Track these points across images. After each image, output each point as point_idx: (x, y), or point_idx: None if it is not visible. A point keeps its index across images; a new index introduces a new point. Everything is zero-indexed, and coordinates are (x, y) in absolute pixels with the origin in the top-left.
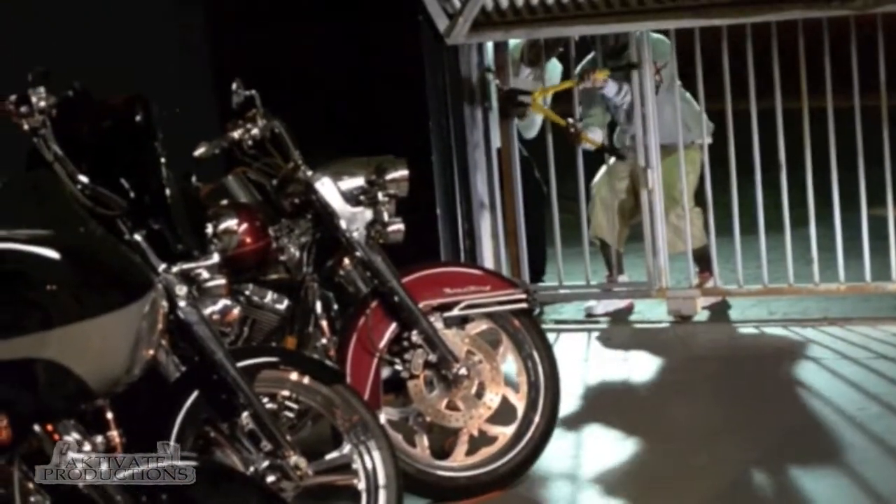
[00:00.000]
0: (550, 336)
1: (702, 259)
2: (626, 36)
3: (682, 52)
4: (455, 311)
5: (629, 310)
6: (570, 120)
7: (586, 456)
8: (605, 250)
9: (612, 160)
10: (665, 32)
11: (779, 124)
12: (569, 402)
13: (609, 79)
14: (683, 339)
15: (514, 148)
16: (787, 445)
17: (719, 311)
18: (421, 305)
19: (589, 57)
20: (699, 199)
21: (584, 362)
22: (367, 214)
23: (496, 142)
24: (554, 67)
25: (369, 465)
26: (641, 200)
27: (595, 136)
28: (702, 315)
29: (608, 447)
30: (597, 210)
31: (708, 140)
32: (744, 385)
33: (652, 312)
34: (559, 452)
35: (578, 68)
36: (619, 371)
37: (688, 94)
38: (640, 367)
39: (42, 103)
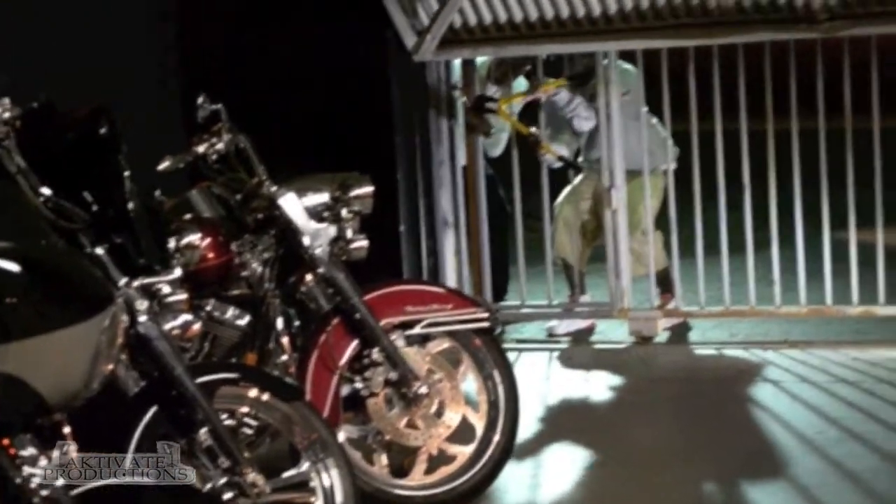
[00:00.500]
0: (511, 355)
1: (663, 281)
2: (594, 63)
3: (648, 72)
4: (416, 330)
5: (591, 330)
6: (534, 129)
7: (545, 476)
8: (568, 270)
9: (577, 180)
10: (632, 53)
11: (743, 146)
12: (529, 422)
13: (562, 89)
14: (644, 360)
15: (479, 166)
16: (746, 468)
17: (680, 333)
18: (382, 323)
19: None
20: (659, 221)
21: (544, 382)
22: (331, 231)
23: (461, 159)
24: (520, 86)
25: (327, 483)
26: (605, 221)
27: (559, 150)
28: (662, 336)
29: (567, 467)
30: (559, 230)
31: (672, 165)
32: (704, 407)
33: (613, 333)
34: (518, 472)
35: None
36: (579, 391)
37: (654, 120)
38: (601, 387)
39: (6, 114)
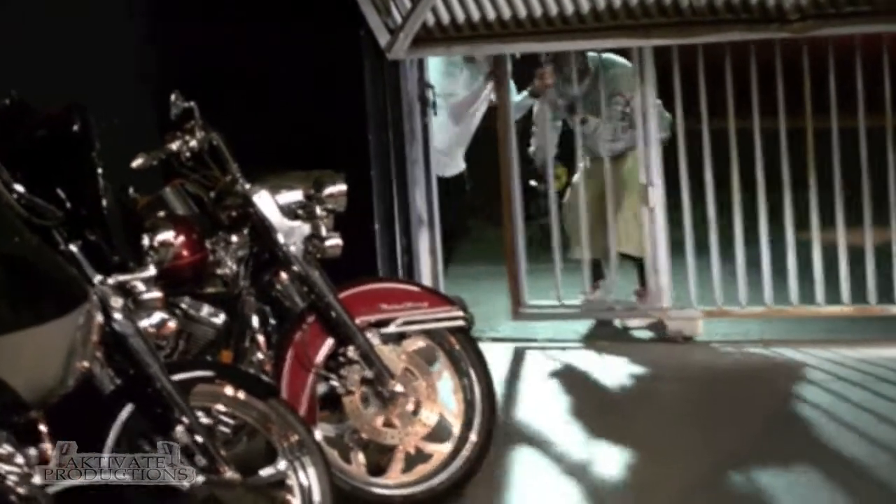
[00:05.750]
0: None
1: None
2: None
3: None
4: (392, 328)
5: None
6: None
7: (533, 473)
8: (594, 267)
9: (576, 178)
10: (622, 53)
11: (782, 144)
12: (535, 418)
13: (590, 118)
14: (652, 357)
15: (510, 124)
16: (735, 466)
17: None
18: (358, 321)
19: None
20: None
21: (554, 379)
22: (305, 229)
23: (435, 158)
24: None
25: (304, 481)
26: (642, 219)
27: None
28: (643, 333)
29: (568, 462)
30: (573, 233)
31: (666, 134)
32: (724, 406)
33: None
34: (538, 467)
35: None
36: (591, 387)
37: None
38: (605, 384)
39: None
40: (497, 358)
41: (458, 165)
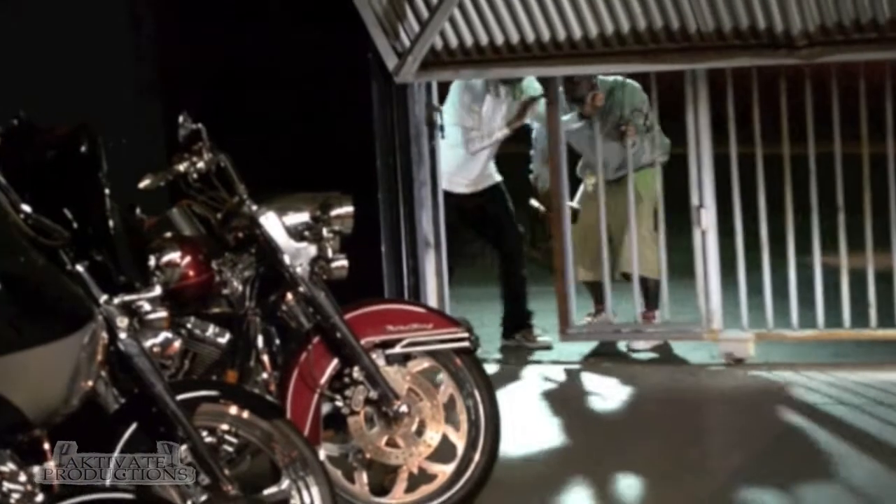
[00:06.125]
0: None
1: (654, 296)
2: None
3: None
4: (397, 349)
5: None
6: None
7: (536, 495)
8: (593, 288)
9: (576, 203)
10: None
11: (838, 167)
12: (540, 440)
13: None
14: (635, 378)
15: (561, 144)
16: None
17: (666, 352)
18: (363, 342)
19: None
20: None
21: (559, 400)
22: (311, 250)
23: (442, 180)
24: (531, 82)
25: (308, 500)
26: (694, 242)
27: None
28: (644, 355)
29: (571, 483)
30: (578, 257)
31: (665, 158)
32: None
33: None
34: (511, 492)
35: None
36: (594, 408)
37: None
38: (608, 406)
39: None
40: (502, 380)
41: (492, 177)
